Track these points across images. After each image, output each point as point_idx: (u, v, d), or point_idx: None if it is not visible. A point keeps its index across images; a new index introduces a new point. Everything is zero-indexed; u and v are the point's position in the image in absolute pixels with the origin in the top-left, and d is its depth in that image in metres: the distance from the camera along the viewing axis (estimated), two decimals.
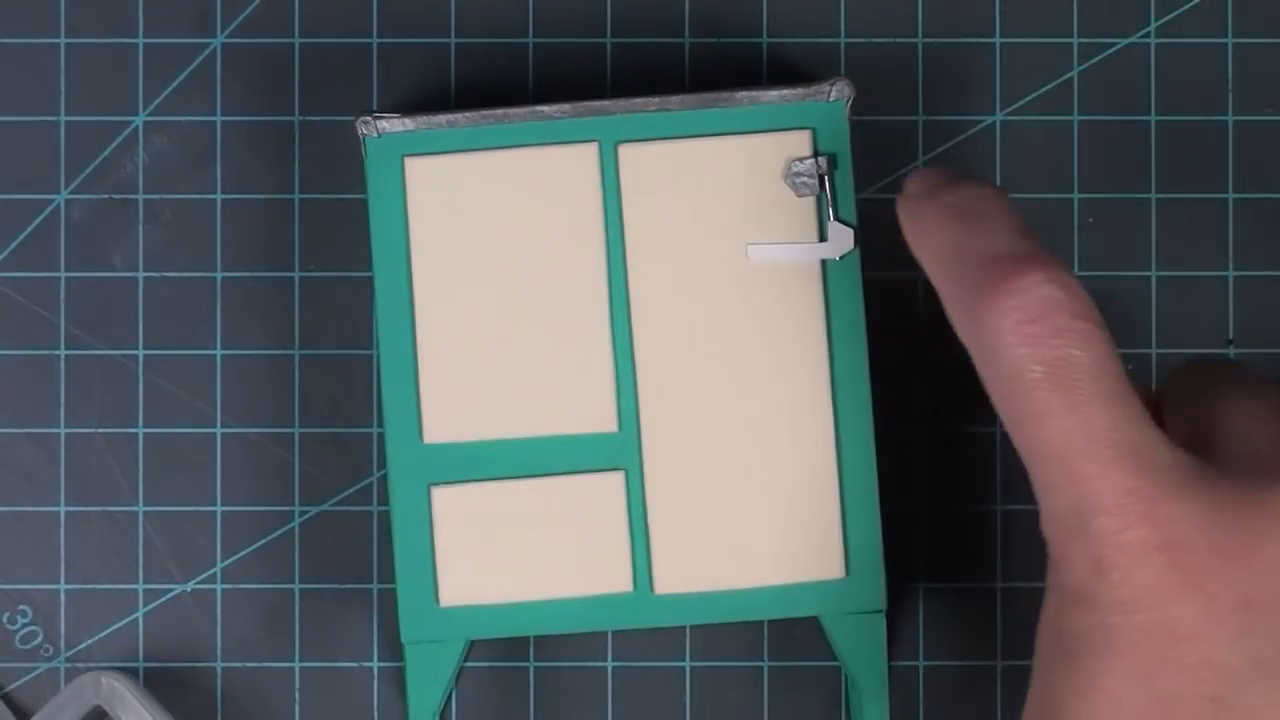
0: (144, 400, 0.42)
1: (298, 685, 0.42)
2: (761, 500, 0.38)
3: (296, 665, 0.42)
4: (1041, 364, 0.31)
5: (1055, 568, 0.31)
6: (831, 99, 0.38)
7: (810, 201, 0.38)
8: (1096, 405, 0.30)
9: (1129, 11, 0.42)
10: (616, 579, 0.38)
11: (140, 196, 0.42)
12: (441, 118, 0.38)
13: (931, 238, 0.34)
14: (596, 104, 0.38)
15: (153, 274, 0.42)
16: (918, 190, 0.36)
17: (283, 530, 0.42)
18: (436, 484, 0.38)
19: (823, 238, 0.38)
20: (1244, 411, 0.33)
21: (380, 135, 0.38)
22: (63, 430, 0.42)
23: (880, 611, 0.39)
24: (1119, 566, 0.30)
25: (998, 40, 0.42)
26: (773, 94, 0.38)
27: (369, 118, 0.38)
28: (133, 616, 0.42)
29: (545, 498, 0.38)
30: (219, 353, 0.42)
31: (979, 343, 0.32)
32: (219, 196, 0.42)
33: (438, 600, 0.38)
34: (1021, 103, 0.42)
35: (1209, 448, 0.32)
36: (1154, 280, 0.42)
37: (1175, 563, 0.30)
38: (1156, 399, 0.35)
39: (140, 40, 0.42)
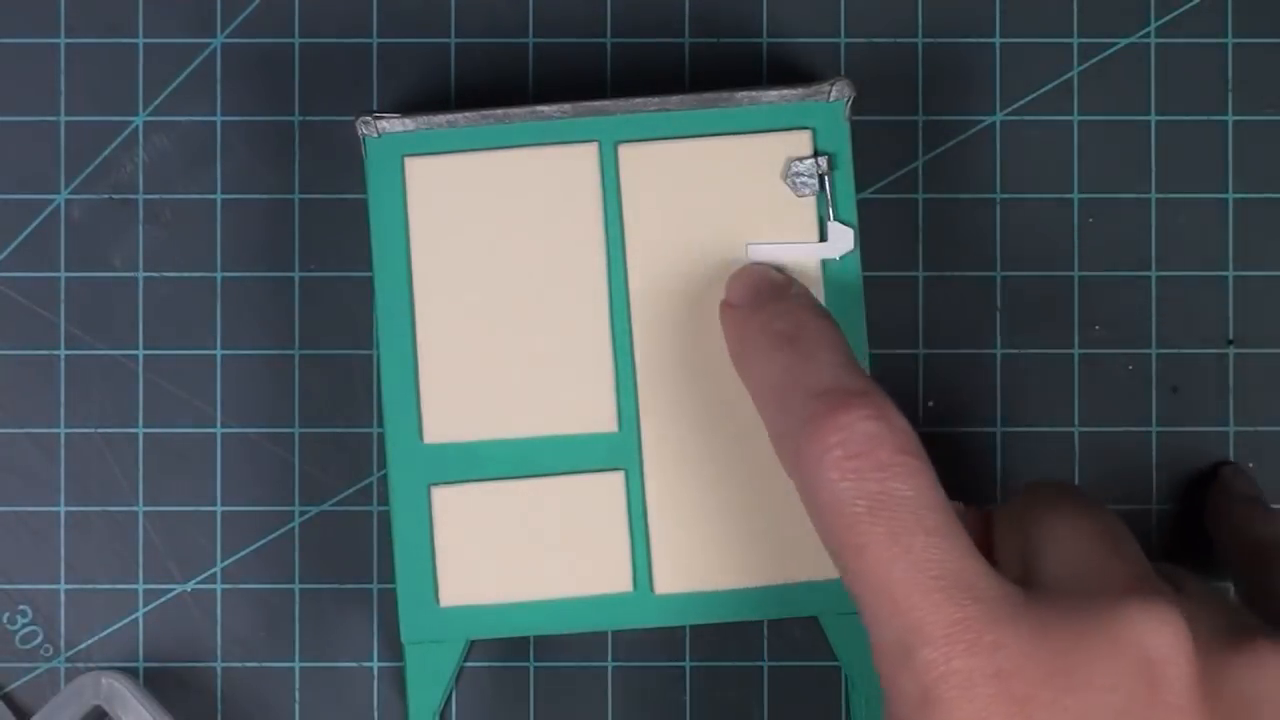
0: (144, 400, 0.42)
1: (298, 685, 0.42)
2: (761, 500, 0.38)
3: (296, 665, 0.42)
4: (864, 498, 0.31)
5: (886, 700, 0.31)
6: (831, 99, 0.38)
7: (810, 201, 0.38)
8: (919, 537, 0.31)
9: (1129, 11, 0.42)
10: (616, 579, 0.38)
11: (140, 196, 0.42)
12: (441, 118, 0.38)
13: (756, 364, 0.35)
14: (596, 104, 0.38)
15: (153, 274, 0.42)
16: (742, 300, 0.36)
17: (283, 530, 0.42)
18: (436, 484, 0.38)
19: (823, 238, 0.38)
20: (1067, 534, 0.33)
21: (380, 135, 0.38)
22: (63, 430, 0.42)
23: None
24: (946, 698, 0.30)
25: (998, 40, 0.42)
26: (773, 94, 0.38)
27: (369, 118, 0.38)
28: (133, 616, 0.42)
29: (545, 498, 0.38)
30: (219, 353, 0.42)
31: (803, 475, 0.32)
32: (219, 196, 0.42)
33: (438, 600, 0.38)
34: (1021, 103, 0.42)
35: (1036, 572, 0.33)
36: (1154, 280, 0.42)
37: (1004, 691, 0.30)
38: (987, 525, 0.36)
39: (140, 40, 0.42)
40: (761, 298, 0.36)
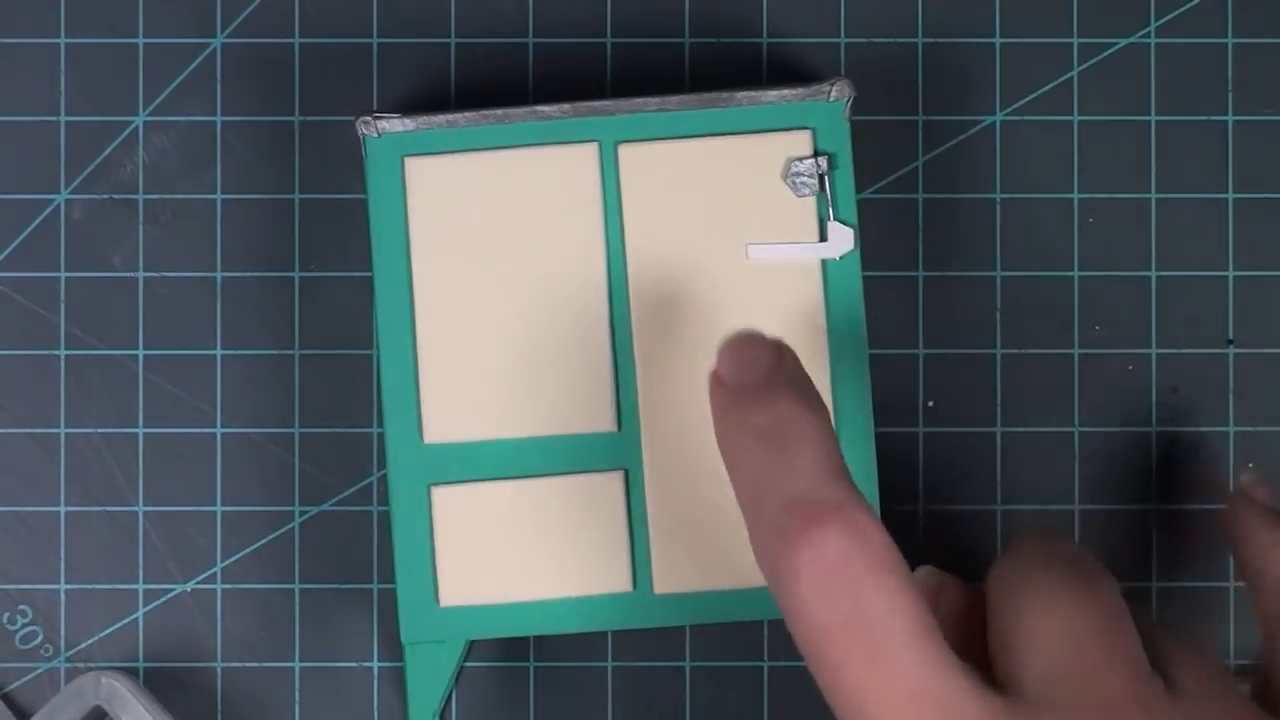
0: (144, 400, 0.42)
1: (298, 685, 0.42)
2: None
3: (296, 665, 0.42)
4: (838, 616, 0.30)
5: None
6: (831, 99, 0.38)
7: (810, 201, 0.38)
8: (894, 653, 0.30)
9: (1129, 11, 0.42)
10: (616, 579, 0.38)
11: (140, 196, 0.42)
12: (441, 118, 0.38)
13: (733, 458, 0.33)
14: (596, 104, 0.38)
15: (153, 274, 0.42)
16: (727, 377, 0.34)
17: (283, 530, 0.42)
18: (436, 484, 0.38)
19: (823, 238, 0.38)
20: (1054, 630, 0.32)
21: (380, 135, 0.38)
22: (63, 430, 0.42)
23: None
24: None
25: (998, 40, 0.42)
26: (773, 94, 0.38)
27: (369, 118, 0.38)
28: (133, 616, 0.42)
29: (545, 498, 0.38)
30: (219, 353, 0.42)
31: (777, 589, 0.31)
32: (219, 196, 0.42)
33: (437, 600, 0.38)
34: (1021, 103, 0.42)
35: (1018, 678, 0.31)
36: (1154, 280, 0.42)
37: None
38: (969, 605, 0.35)
39: (140, 40, 0.42)
40: (747, 379, 0.34)
